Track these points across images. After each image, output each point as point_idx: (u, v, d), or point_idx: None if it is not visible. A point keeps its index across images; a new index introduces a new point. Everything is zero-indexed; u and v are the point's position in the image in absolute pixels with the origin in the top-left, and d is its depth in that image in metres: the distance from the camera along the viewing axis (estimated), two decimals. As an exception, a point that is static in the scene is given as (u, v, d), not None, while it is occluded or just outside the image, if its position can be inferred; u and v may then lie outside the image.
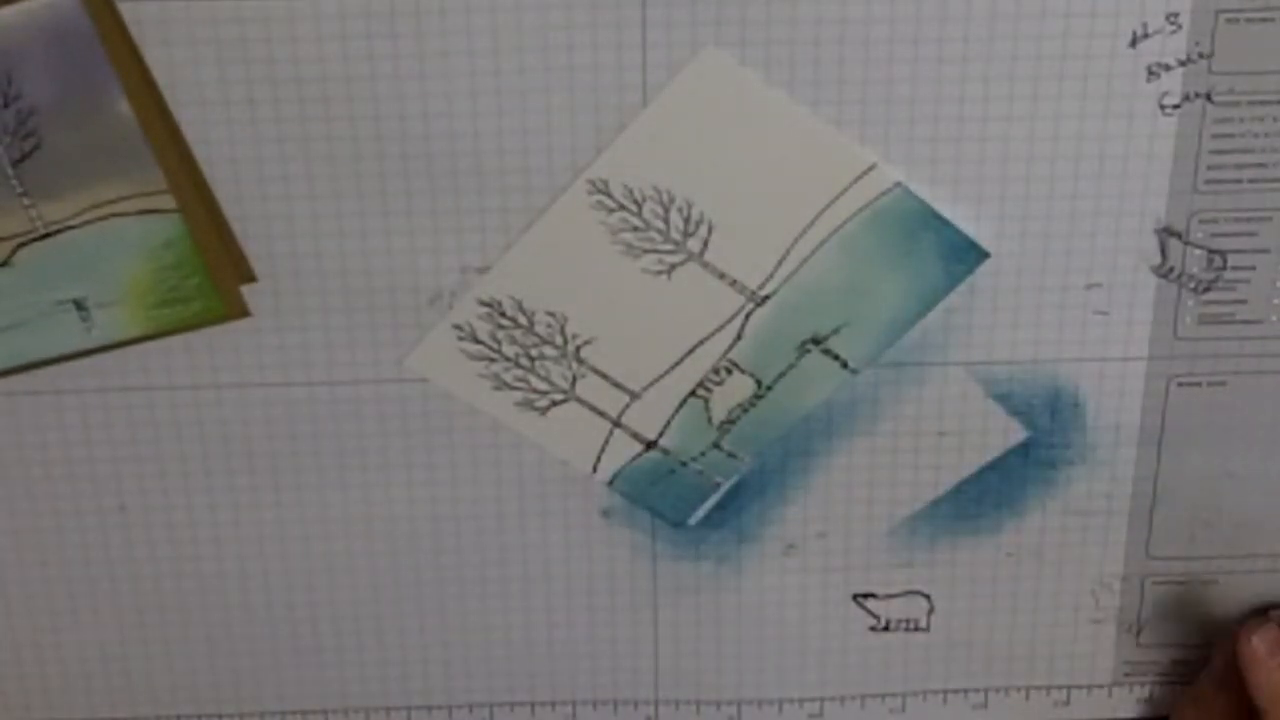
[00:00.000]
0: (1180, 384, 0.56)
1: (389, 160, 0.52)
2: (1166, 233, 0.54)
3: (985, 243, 0.53)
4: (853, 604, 0.59)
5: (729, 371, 0.54)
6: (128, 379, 0.55)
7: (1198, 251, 0.54)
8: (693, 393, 0.55)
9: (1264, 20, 0.50)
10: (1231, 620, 0.59)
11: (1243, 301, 0.55)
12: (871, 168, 0.52)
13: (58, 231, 0.51)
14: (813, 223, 0.53)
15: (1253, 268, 0.54)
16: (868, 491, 0.57)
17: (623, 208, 0.52)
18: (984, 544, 0.58)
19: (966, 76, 0.51)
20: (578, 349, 0.54)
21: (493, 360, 0.54)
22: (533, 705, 0.60)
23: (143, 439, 0.56)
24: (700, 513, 0.57)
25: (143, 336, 0.54)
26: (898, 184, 0.53)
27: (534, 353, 0.54)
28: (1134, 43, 0.51)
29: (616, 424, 0.55)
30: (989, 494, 0.57)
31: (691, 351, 0.54)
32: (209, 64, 0.50)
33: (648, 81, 0.51)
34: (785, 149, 0.52)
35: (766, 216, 0.53)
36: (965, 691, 0.61)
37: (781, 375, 0.55)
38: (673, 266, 0.53)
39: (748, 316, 0.54)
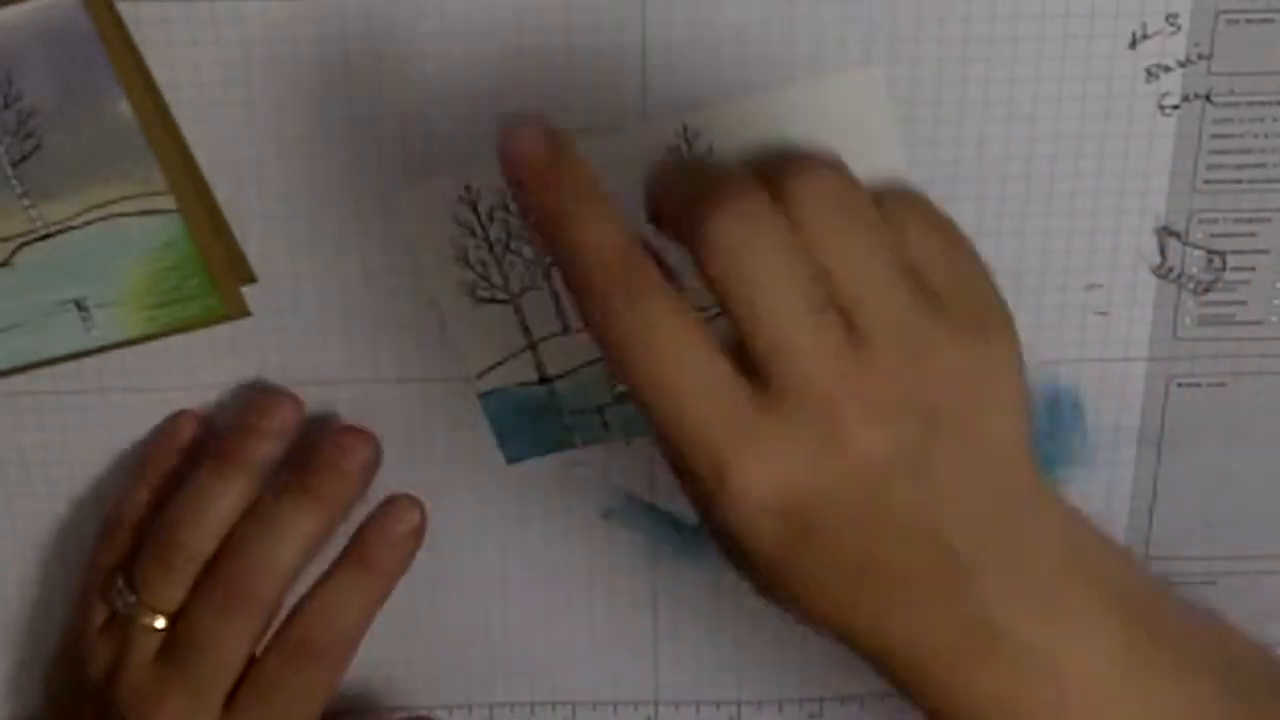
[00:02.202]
0: (1180, 384, 0.56)
1: (388, 160, 0.52)
2: (1166, 233, 0.54)
3: (986, 243, 0.53)
4: (853, 604, 0.59)
5: None
6: (128, 379, 0.55)
7: (1197, 252, 0.54)
8: None
9: (1264, 21, 0.50)
10: (1231, 620, 0.59)
11: (1243, 302, 0.55)
12: None
13: (58, 231, 0.51)
14: None
15: (1253, 268, 0.54)
16: (868, 492, 0.57)
17: None
18: (984, 544, 0.58)
19: (966, 77, 0.51)
20: (553, 263, 0.53)
21: (472, 234, 0.53)
22: (532, 705, 0.60)
23: (143, 439, 0.56)
24: (533, 458, 0.56)
25: (143, 336, 0.54)
26: None
27: (513, 245, 0.53)
28: (1134, 43, 0.51)
29: (532, 347, 0.54)
30: (989, 494, 0.57)
31: None
32: (209, 64, 0.50)
33: (647, 82, 0.51)
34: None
35: None
36: (965, 691, 0.61)
37: None
38: None
39: (719, 314, 0.54)
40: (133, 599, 0.53)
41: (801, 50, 0.51)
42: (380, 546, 0.54)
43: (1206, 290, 0.54)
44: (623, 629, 0.59)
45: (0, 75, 0.49)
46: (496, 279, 0.54)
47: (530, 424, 0.55)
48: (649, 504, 0.58)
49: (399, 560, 0.54)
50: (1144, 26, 0.51)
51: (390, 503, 0.55)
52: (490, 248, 0.53)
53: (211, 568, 0.52)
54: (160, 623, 0.53)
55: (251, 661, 0.53)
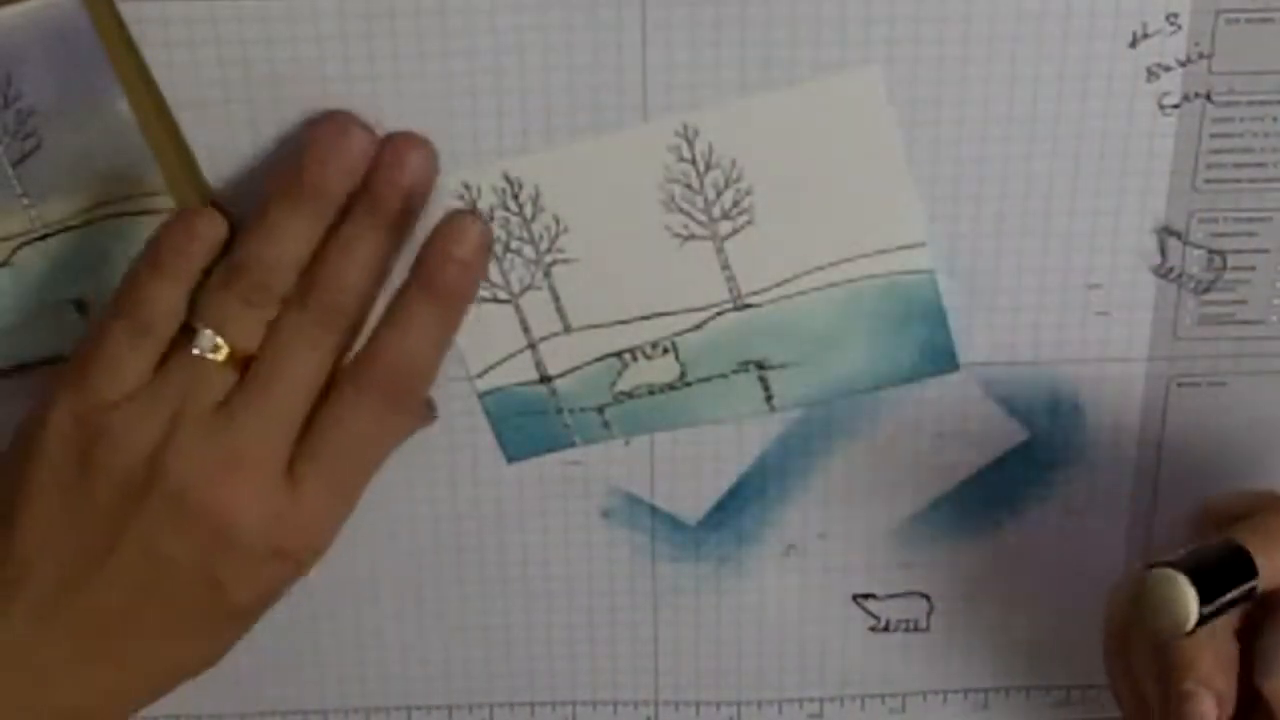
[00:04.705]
0: (1180, 384, 0.56)
1: (389, 160, 0.52)
2: (1166, 233, 0.54)
3: (986, 244, 0.54)
4: (853, 604, 0.59)
5: (665, 352, 0.54)
6: (128, 379, 0.55)
7: (1197, 251, 0.54)
8: (618, 354, 0.54)
9: (1264, 20, 0.50)
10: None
11: (1243, 301, 0.55)
12: (918, 244, 0.52)
13: (58, 231, 0.51)
14: (837, 263, 0.53)
15: (1253, 268, 0.54)
16: (868, 492, 0.58)
17: (692, 162, 0.52)
18: (984, 544, 0.58)
19: (967, 77, 0.51)
20: (553, 263, 0.53)
21: None
22: (532, 705, 0.60)
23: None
24: (533, 458, 0.56)
25: (143, 336, 0.54)
26: (929, 271, 0.53)
27: (514, 245, 0.53)
28: (1134, 43, 0.51)
29: (532, 346, 0.54)
30: (989, 494, 0.57)
31: (647, 318, 0.54)
32: (209, 64, 0.50)
33: (647, 82, 0.51)
34: (864, 185, 0.52)
35: (803, 236, 0.53)
36: (965, 691, 0.61)
37: (706, 379, 0.55)
38: (692, 236, 0.53)
39: (719, 314, 0.54)
40: (212, 337, 0.50)
41: (802, 50, 0.51)
42: (445, 271, 0.51)
43: (1206, 290, 0.54)
44: (623, 629, 0.59)
45: (0, 75, 0.49)
46: (496, 279, 0.54)
47: (530, 424, 0.55)
48: (649, 504, 0.58)
49: (466, 284, 0.52)
50: (1144, 26, 0.51)
51: (448, 222, 0.52)
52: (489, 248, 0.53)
53: (289, 298, 0.50)
54: (224, 354, 0.50)
55: (323, 397, 0.51)
